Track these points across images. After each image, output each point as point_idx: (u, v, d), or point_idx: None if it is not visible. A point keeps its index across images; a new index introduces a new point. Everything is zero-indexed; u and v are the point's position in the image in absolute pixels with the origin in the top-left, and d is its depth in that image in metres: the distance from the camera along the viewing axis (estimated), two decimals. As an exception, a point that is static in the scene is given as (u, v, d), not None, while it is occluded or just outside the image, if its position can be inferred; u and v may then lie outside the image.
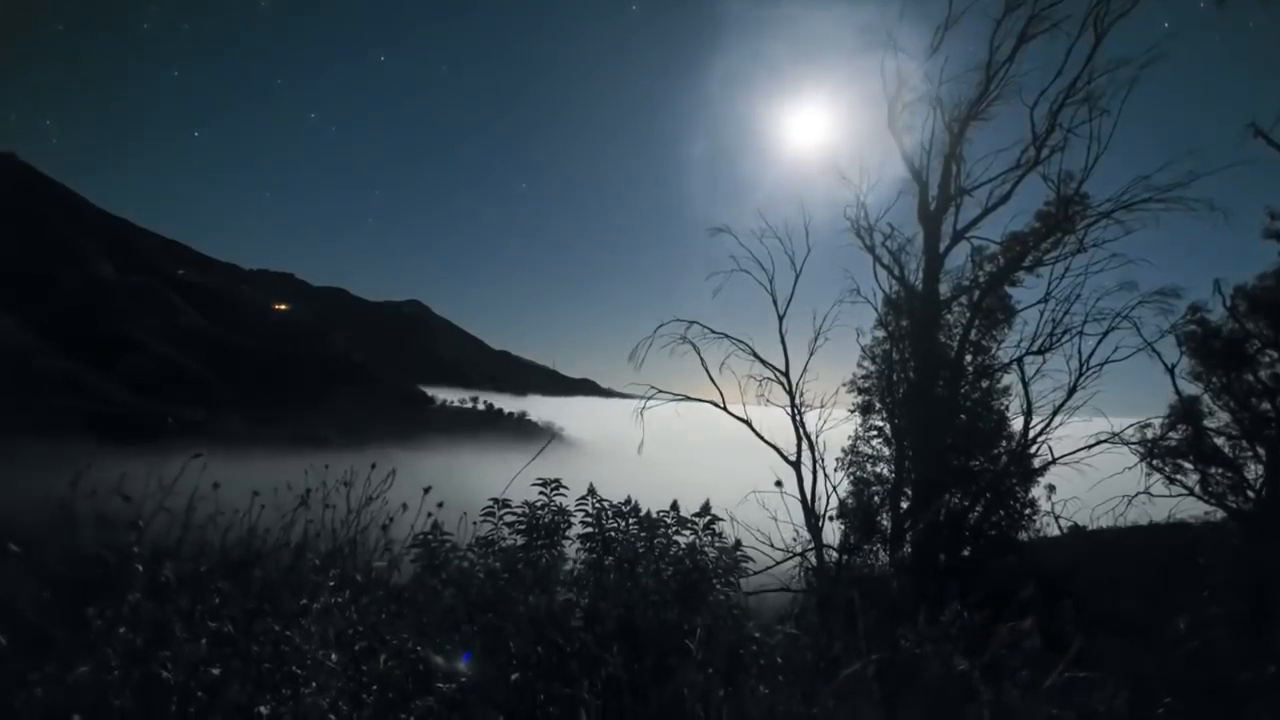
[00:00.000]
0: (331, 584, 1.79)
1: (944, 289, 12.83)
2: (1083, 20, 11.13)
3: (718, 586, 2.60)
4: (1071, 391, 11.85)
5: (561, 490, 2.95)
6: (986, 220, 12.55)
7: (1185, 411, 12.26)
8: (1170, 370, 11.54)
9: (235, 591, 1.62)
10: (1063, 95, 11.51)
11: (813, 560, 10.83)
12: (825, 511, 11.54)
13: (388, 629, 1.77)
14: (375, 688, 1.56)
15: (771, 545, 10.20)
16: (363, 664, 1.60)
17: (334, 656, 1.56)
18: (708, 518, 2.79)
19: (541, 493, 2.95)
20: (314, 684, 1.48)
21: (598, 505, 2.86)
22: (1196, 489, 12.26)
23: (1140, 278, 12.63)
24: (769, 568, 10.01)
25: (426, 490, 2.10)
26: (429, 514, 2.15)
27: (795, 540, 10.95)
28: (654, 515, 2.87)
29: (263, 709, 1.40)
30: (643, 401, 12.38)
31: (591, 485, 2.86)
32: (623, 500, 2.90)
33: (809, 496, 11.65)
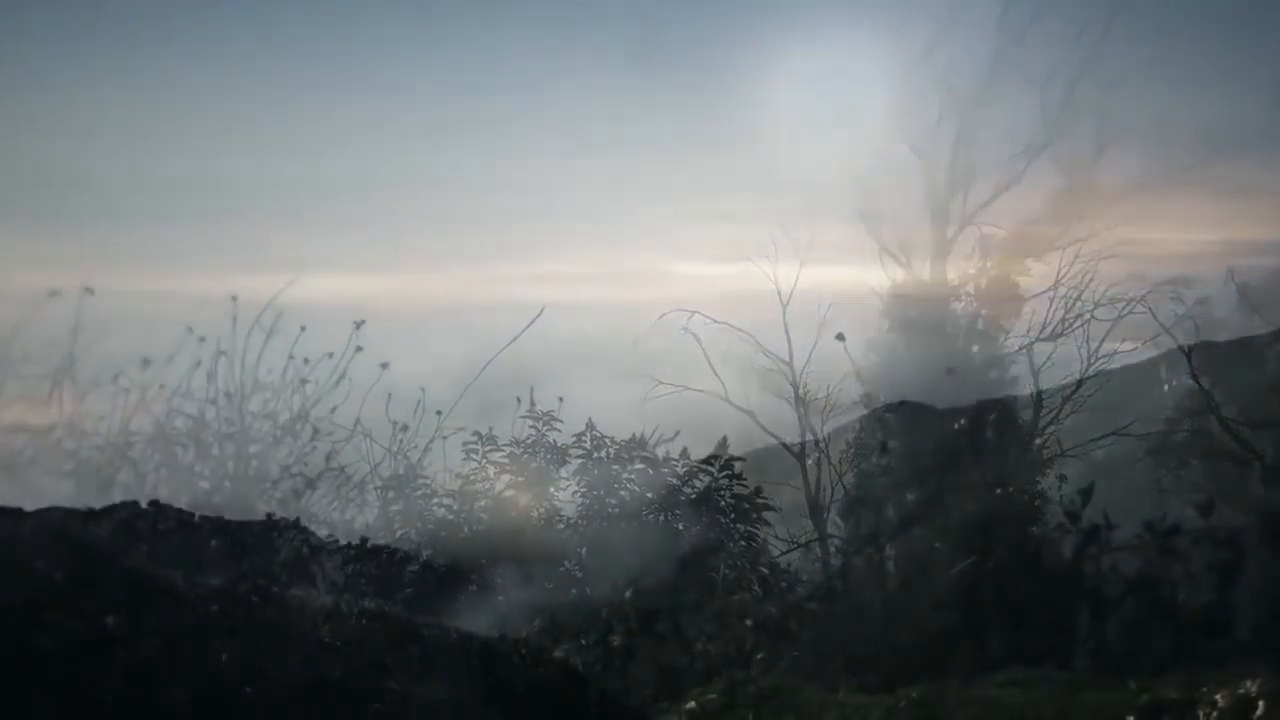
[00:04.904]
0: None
1: (951, 275, 12.56)
2: (1096, -3, 10.91)
3: (740, 529, 2.22)
4: (1081, 381, 11.62)
5: (555, 425, 2.56)
6: (996, 204, 12.30)
7: (1192, 406, 12.11)
8: (1187, 355, 11.33)
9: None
10: (1075, 75, 11.32)
11: (817, 552, 10.52)
12: (830, 503, 11.20)
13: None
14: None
15: (776, 537, 9.90)
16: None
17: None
18: (724, 457, 2.40)
19: (533, 426, 2.56)
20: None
21: (596, 438, 2.47)
22: (1202, 485, 12.11)
23: (1154, 265, 12.46)
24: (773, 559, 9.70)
25: (359, 324, 1.70)
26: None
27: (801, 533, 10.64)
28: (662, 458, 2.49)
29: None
30: (643, 394, 12.09)
31: (590, 420, 2.48)
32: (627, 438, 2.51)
33: (813, 488, 11.34)
